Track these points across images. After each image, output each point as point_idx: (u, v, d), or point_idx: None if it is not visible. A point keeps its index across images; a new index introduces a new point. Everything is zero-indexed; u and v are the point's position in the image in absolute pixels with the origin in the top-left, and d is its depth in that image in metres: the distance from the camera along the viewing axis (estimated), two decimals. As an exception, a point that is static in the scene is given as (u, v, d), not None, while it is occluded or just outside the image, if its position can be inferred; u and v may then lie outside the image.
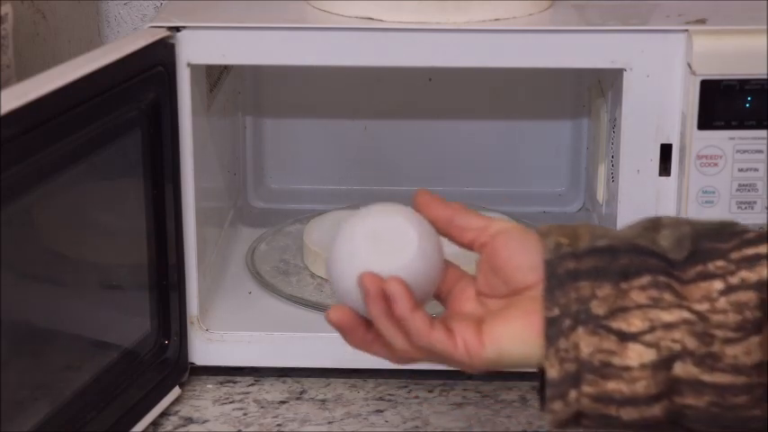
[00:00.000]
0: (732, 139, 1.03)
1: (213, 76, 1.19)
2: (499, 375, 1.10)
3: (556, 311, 0.74)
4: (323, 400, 1.09)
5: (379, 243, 0.79)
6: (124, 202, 1.02)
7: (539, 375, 0.79)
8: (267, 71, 1.36)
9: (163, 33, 1.02)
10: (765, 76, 1.01)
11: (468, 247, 0.81)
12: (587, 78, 1.34)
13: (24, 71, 1.07)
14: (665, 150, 1.05)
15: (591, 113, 1.33)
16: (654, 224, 0.78)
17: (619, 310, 0.74)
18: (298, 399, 1.09)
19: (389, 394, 1.10)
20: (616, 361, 0.73)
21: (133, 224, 1.03)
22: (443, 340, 0.77)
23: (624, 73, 1.04)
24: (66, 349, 0.96)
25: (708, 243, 0.75)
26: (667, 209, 1.05)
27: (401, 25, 1.04)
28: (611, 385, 0.74)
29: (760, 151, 1.03)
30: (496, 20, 1.05)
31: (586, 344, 0.73)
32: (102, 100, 0.94)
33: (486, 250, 0.80)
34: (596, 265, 0.75)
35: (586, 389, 0.74)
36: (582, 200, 1.39)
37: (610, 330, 0.73)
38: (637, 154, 1.06)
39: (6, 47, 1.03)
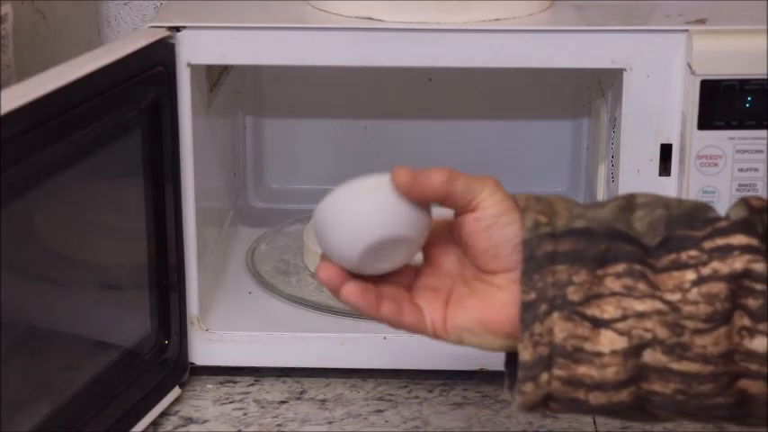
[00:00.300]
0: (732, 139, 1.03)
1: (213, 76, 1.19)
2: (499, 376, 1.10)
3: (533, 295, 0.75)
4: (323, 400, 1.09)
5: (363, 204, 0.80)
6: (124, 202, 1.02)
7: (507, 354, 0.80)
8: (267, 71, 1.36)
9: (163, 33, 1.02)
10: (765, 76, 1.01)
11: (457, 211, 0.81)
12: (587, 78, 1.34)
13: (24, 71, 1.07)
14: (665, 150, 1.05)
15: (591, 113, 1.33)
16: (629, 203, 0.78)
17: (593, 297, 0.75)
18: (298, 399, 1.09)
19: (389, 394, 1.10)
20: (588, 347, 0.75)
21: (133, 224, 1.03)
22: (415, 322, 0.79)
23: (624, 73, 1.04)
24: (66, 349, 0.96)
25: (681, 229, 0.76)
26: (667, 209, 1.05)
27: (401, 25, 1.04)
28: (582, 369, 0.75)
29: (760, 151, 1.03)
30: (496, 20, 1.05)
31: (560, 329, 0.75)
32: (102, 100, 0.94)
33: (466, 229, 0.79)
34: (574, 248, 0.76)
35: (558, 372, 0.75)
36: (582, 200, 1.38)
37: (584, 317, 0.75)
38: (637, 154, 1.06)
39: (6, 47, 1.03)
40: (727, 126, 1.02)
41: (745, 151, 1.03)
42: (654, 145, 1.05)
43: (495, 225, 0.78)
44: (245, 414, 1.07)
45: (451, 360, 1.10)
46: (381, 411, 1.07)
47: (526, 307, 0.75)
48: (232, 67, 1.28)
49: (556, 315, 0.75)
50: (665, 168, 1.06)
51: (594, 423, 1.04)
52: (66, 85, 0.89)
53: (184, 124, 1.05)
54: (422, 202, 0.80)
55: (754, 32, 1.02)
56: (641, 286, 0.74)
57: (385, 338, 1.10)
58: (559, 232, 0.76)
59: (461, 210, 0.79)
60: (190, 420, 1.06)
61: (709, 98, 1.01)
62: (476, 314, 0.78)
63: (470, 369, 1.10)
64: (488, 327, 0.78)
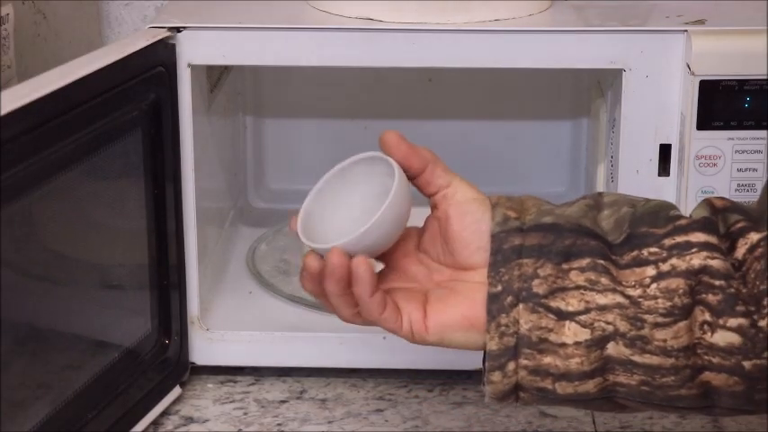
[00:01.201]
0: (731, 139, 1.03)
1: (213, 77, 1.19)
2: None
3: (499, 288, 0.77)
4: (323, 400, 1.09)
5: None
6: (125, 202, 1.02)
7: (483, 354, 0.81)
8: (267, 71, 1.37)
9: (163, 34, 1.02)
10: (764, 77, 1.01)
11: (427, 196, 0.83)
12: (587, 78, 1.34)
13: (25, 72, 1.07)
14: (665, 150, 1.05)
15: (590, 113, 1.34)
16: (596, 202, 0.81)
17: (558, 290, 0.77)
18: (298, 398, 1.09)
19: (389, 394, 1.10)
20: (553, 338, 0.77)
21: (134, 224, 1.03)
22: (392, 320, 0.80)
23: (623, 73, 1.04)
24: (67, 349, 0.96)
25: (644, 227, 0.78)
26: (667, 209, 1.05)
27: (401, 25, 1.05)
28: (548, 360, 0.77)
29: (759, 152, 1.03)
30: (496, 20, 1.05)
31: (526, 320, 0.77)
32: (102, 100, 0.94)
33: (440, 214, 0.82)
34: (540, 242, 0.78)
35: (524, 362, 0.77)
36: (582, 200, 1.39)
37: (549, 309, 0.77)
38: (636, 154, 1.06)
39: (7, 47, 1.04)
40: (726, 126, 1.02)
41: (744, 151, 1.03)
42: (653, 145, 1.05)
43: (470, 212, 0.80)
44: (245, 414, 1.07)
45: (451, 360, 1.10)
46: (381, 411, 1.07)
47: (492, 298, 0.77)
48: (232, 67, 1.28)
49: (521, 307, 0.77)
50: (664, 168, 1.06)
51: (594, 423, 1.04)
52: (67, 86, 0.89)
53: (185, 124, 1.06)
54: (408, 192, 0.81)
55: (754, 33, 1.02)
56: (604, 280, 0.77)
57: (385, 338, 1.10)
58: (527, 227, 0.79)
59: (437, 190, 0.82)
60: (190, 420, 1.06)
61: (708, 98, 1.01)
62: (461, 310, 0.79)
63: (470, 369, 1.10)
64: (473, 323, 0.79)
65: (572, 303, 0.77)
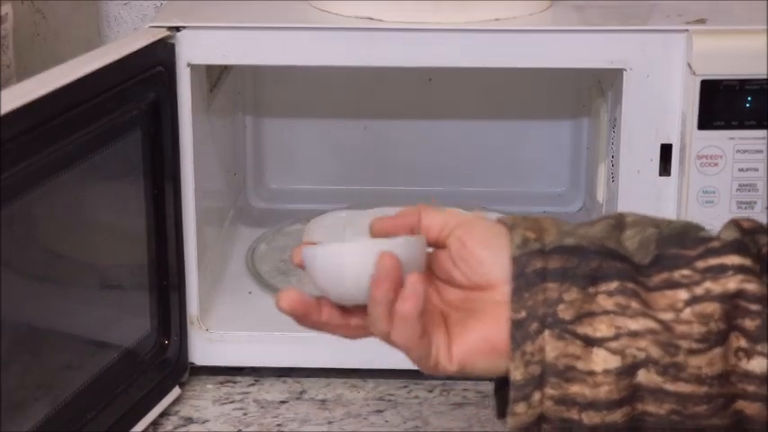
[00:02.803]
0: (732, 139, 1.03)
1: (213, 76, 1.19)
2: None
3: (523, 314, 0.74)
4: (323, 400, 1.09)
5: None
6: (124, 202, 1.02)
7: (493, 380, 0.78)
8: (267, 71, 1.36)
9: (163, 33, 1.02)
10: (765, 76, 1.01)
11: (435, 245, 0.80)
12: (587, 78, 1.34)
13: (24, 71, 1.07)
14: (666, 150, 1.05)
15: (591, 113, 1.33)
16: (618, 222, 0.78)
17: (585, 315, 0.73)
18: (298, 399, 1.09)
19: (389, 394, 1.10)
20: (580, 365, 0.73)
21: (133, 224, 1.03)
22: (425, 349, 0.76)
23: (624, 73, 1.04)
24: (67, 349, 0.96)
25: (673, 248, 0.75)
26: (667, 209, 1.05)
27: (401, 25, 1.04)
28: (575, 388, 0.74)
29: (760, 151, 1.03)
30: (496, 20, 1.05)
31: (552, 348, 0.73)
32: (102, 100, 0.94)
33: (449, 243, 0.78)
34: (564, 265, 0.74)
35: (549, 391, 0.74)
36: (582, 200, 1.39)
37: (576, 335, 0.73)
38: (637, 154, 1.06)
39: (6, 47, 1.04)
40: (728, 126, 1.02)
41: (745, 151, 1.03)
42: (654, 145, 1.05)
43: (487, 233, 0.77)
44: (245, 414, 1.07)
45: (451, 360, 1.10)
46: (381, 411, 1.07)
47: (517, 325, 0.74)
48: (232, 67, 1.28)
49: (547, 333, 0.73)
50: (665, 168, 1.06)
51: (594, 423, 1.04)
52: (67, 85, 0.89)
53: (184, 124, 1.05)
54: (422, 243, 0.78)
55: (754, 32, 1.02)
56: (634, 305, 0.73)
57: (385, 338, 1.10)
58: (549, 249, 0.75)
59: (440, 227, 0.78)
60: (190, 420, 1.06)
61: (709, 98, 1.01)
62: (482, 333, 0.76)
63: (470, 369, 1.10)
64: (495, 346, 0.75)
65: (600, 329, 0.73)
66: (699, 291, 0.73)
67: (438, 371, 0.77)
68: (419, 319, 0.75)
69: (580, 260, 0.74)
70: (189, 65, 1.04)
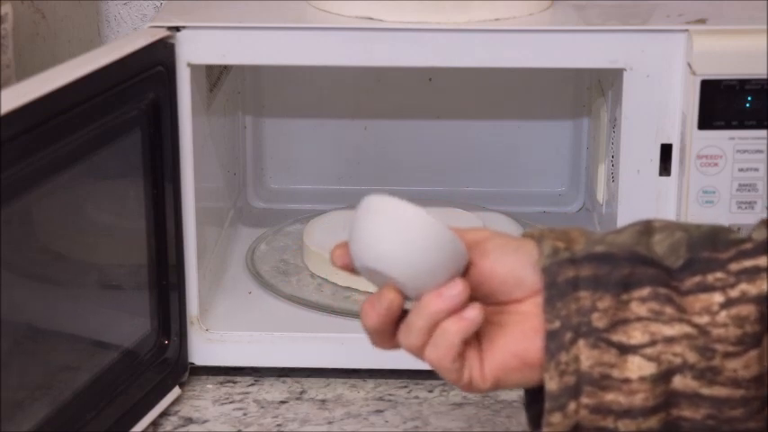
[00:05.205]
0: (732, 138, 1.03)
1: (213, 76, 1.19)
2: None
3: (557, 324, 0.74)
4: (323, 400, 1.09)
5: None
6: (124, 202, 1.02)
7: (526, 393, 0.78)
8: (267, 71, 1.36)
9: (163, 33, 1.02)
10: (765, 76, 1.01)
11: None
12: (587, 78, 1.34)
13: (24, 71, 1.07)
14: (666, 150, 1.05)
15: (591, 113, 1.33)
16: (647, 228, 0.77)
17: (619, 323, 0.73)
18: (298, 399, 1.09)
19: (389, 394, 1.10)
20: (615, 373, 0.73)
21: (133, 224, 1.03)
22: (457, 373, 0.76)
23: (624, 73, 1.04)
24: (66, 349, 0.96)
25: (705, 252, 0.75)
26: (667, 209, 1.05)
27: (401, 25, 1.04)
28: (610, 397, 0.73)
29: (760, 151, 1.03)
30: (496, 20, 1.05)
31: (587, 357, 0.73)
32: (101, 100, 0.94)
33: (479, 268, 0.77)
34: (596, 273, 0.74)
35: (585, 400, 0.74)
36: (582, 200, 1.39)
37: (610, 343, 0.73)
38: (637, 154, 1.06)
39: (6, 47, 1.03)
40: (728, 126, 1.02)
41: (745, 151, 1.03)
42: (654, 145, 1.05)
43: (506, 252, 0.76)
44: (245, 414, 1.07)
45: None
46: (381, 411, 1.07)
47: (551, 336, 0.74)
48: (232, 67, 1.28)
49: (581, 342, 0.73)
50: (665, 168, 1.06)
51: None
52: (66, 85, 0.89)
53: (184, 124, 1.05)
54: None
55: (754, 32, 1.02)
56: (669, 310, 0.73)
57: (385, 338, 1.10)
58: (579, 257, 0.75)
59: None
60: (190, 420, 1.06)
61: (709, 98, 1.01)
62: (511, 348, 0.76)
63: (470, 369, 1.10)
64: (526, 359, 0.75)
65: (635, 336, 0.73)
66: (734, 293, 0.73)
67: (472, 389, 0.77)
68: (461, 344, 0.74)
69: (611, 267, 0.74)
70: (189, 65, 1.04)
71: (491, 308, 0.77)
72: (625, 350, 0.73)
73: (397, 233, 0.74)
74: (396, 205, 0.74)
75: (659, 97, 1.04)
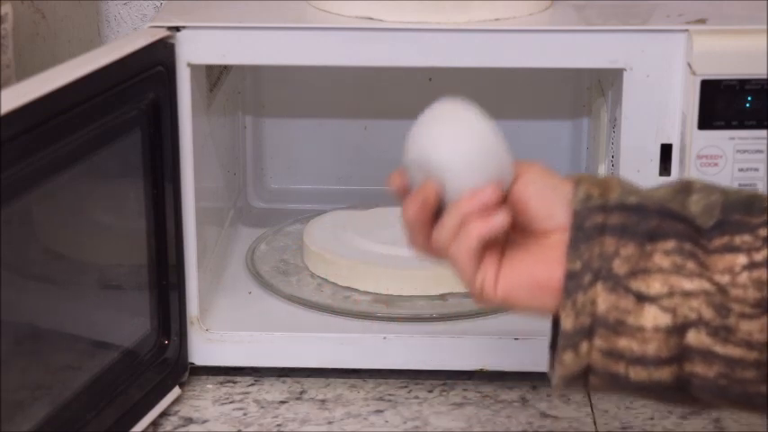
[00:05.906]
0: (732, 138, 1.03)
1: (213, 76, 1.19)
2: (499, 376, 1.10)
3: (578, 265, 0.75)
4: (323, 400, 1.09)
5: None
6: (124, 202, 1.02)
7: (552, 329, 0.80)
8: (267, 71, 1.36)
9: (163, 33, 1.02)
10: (765, 76, 1.01)
11: None
12: (587, 78, 1.34)
13: (24, 71, 1.07)
14: (666, 150, 1.05)
15: (591, 113, 1.33)
16: (685, 187, 0.78)
17: (640, 272, 0.74)
18: (298, 399, 1.09)
19: (389, 394, 1.10)
20: (630, 320, 0.74)
21: (133, 224, 1.03)
22: (473, 273, 0.78)
23: (624, 73, 1.04)
24: (66, 349, 0.96)
25: (737, 215, 0.75)
26: (667, 209, 1.05)
27: (401, 25, 1.04)
28: (623, 342, 0.75)
29: (760, 151, 1.03)
30: (496, 20, 1.05)
31: (603, 300, 0.75)
32: (101, 100, 0.94)
33: (519, 194, 0.80)
34: (624, 222, 0.76)
35: (598, 342, 0.75)
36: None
37: (628, 290, 0.74)
38: (637, 154, 1.06)
39: (6, 47, 1.03)
40: (728, 126, 1.02)
41: (745, 151, 1.03)
42: (654, 145, 1.05)
43: (546, 186, 0.79)
44: (245, 414, 1.07)
45: (451, 360, 1.10)
46: (381, 411, 1.07)
47: (570, 276, 0.75)
48: (232, 67, 1.28)
49: (600, 286, 0.75)
50: (665, 168, 1.06)
51: (595, 423, 1.04)
52: (66, 85, 0.89)
53: (184, 124, 1.05)
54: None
55: (754, 32, 1.02)
56: (690, 265, 0.74)
57: (385, 338, 1.10)
58: (611, 206, 0.76)
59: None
60: (190, 420, 1.06)
61: (709, 98, 1.01)
62: (529, 269, 0.78)
63: (470, 369, 1.10)
64: (540, 282, 0.77)
65: (654, 286, 0.74)
66: (758, 257, 0.74)
67: (483, 298, 0.79)
68: (481, 243, 0.77)
69: (640, 218, 0.76)
70: (189, 65, 1.04)
71: (522, 232, 0.79)
72: (642, 299, 0.74)
73: (451, 129, 0.81)
74: (461, 107, 0.81)
75: (659, 97, 1.04)
